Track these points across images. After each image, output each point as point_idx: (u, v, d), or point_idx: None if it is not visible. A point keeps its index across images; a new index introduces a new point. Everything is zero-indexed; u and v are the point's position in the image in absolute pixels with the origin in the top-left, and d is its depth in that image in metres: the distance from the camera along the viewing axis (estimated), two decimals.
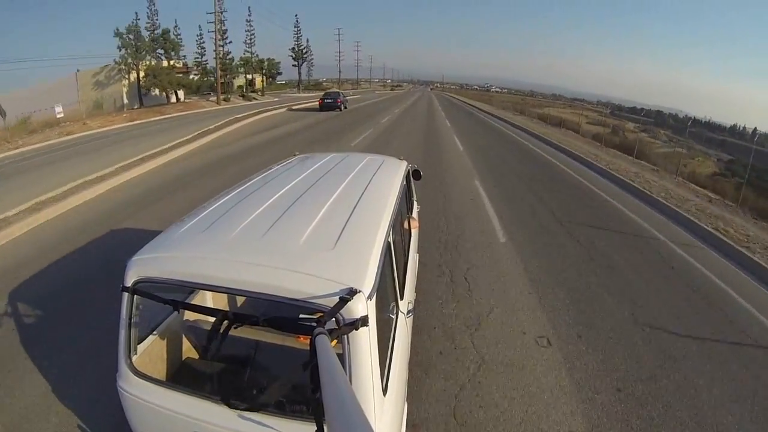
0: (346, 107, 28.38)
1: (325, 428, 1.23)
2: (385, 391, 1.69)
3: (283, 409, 1.67)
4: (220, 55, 36.37)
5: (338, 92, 30.87)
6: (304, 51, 63.71)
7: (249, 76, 47.62)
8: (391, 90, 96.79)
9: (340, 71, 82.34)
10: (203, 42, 40.65)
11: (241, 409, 1.61)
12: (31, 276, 4.68)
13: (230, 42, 41.04)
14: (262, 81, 52.03)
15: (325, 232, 1.92)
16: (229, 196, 2.48)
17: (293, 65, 65.32)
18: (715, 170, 12.06)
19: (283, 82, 67.98)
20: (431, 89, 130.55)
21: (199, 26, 48.49)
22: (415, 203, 4.44)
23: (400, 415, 1.97)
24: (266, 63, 48.16)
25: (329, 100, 26.93)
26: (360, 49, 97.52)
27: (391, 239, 2.15)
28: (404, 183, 3.19)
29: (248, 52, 45.13)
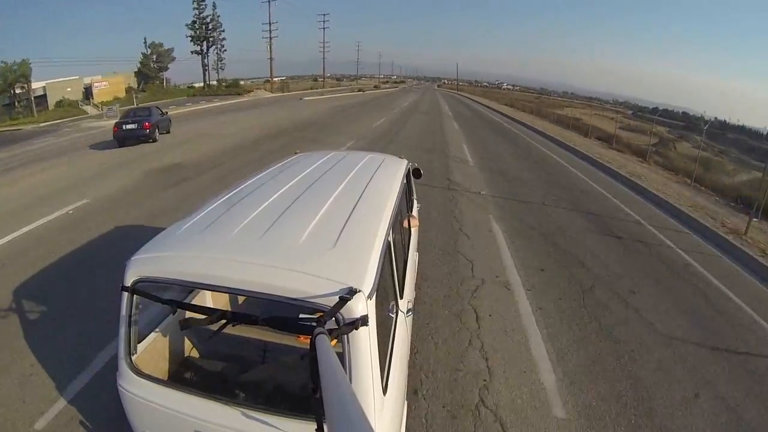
0: (169, 131, 16.24)
1: (325, 427, 1.23)
2: (385, 390, 1.68)
3: (283, 407, 1.67)
4: None
5: (150, 109, 16.42)
6: (208, 27, 38.96)
7: (88, 81, 27.49)
8: (360, 91, 53.24)
9: (271, 58, 47.30)
10: None
11: (241, 408, 1.61)
12: None
13: None
14: (140, 86, 28.54)
15: (325, 231, 1.91)
16: (229, 195, 2.46)
17: (193, 52, 40.01)
18: None
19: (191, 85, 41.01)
20: (438, 86, 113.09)
21: None
22: (415, 201, 4.43)
23: (400, 415, 1.97)
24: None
25: (130, 126, 14.21)
26: (328, 26, 62.72)
27: (391, 238, 2.15)
28: (404, 181, 3.19)
29: None
